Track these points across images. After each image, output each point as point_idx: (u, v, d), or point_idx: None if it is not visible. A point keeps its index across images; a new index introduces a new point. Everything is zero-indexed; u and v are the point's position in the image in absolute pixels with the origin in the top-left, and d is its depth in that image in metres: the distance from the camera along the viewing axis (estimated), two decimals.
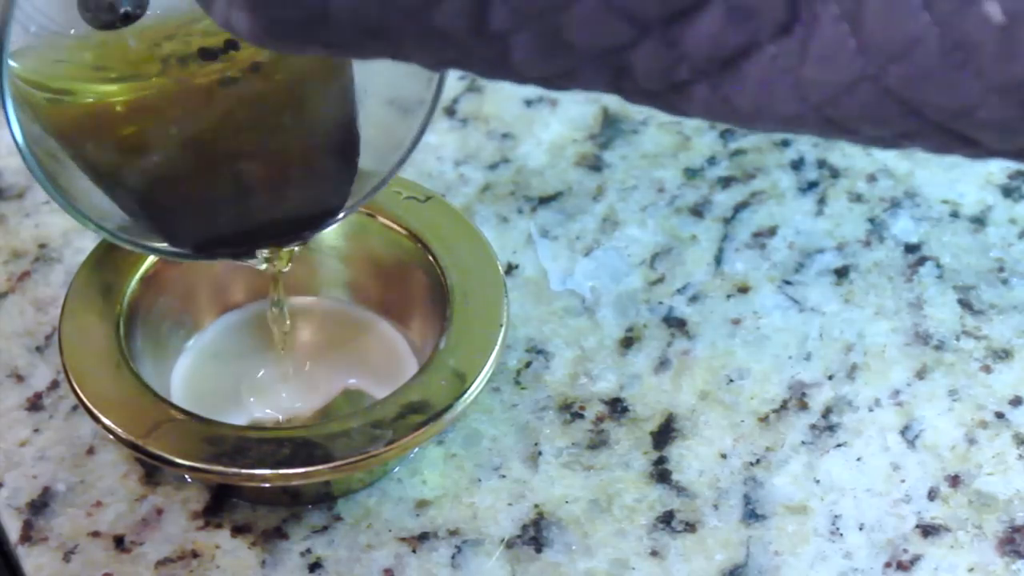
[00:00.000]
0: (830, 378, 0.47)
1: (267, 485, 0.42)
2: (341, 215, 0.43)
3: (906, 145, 0.32)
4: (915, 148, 0.32)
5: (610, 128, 0.55)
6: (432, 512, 0.44)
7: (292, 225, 0.43)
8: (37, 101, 0.39)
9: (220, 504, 0.44)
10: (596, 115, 0.55)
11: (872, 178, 0.53)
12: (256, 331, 0.48)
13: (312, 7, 0.31)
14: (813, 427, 0.46)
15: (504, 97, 0.56)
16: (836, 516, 0.43)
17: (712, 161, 0.54)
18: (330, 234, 0.48)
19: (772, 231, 0.51)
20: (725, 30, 0.30)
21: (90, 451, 0.45)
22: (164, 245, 0.42)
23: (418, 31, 0.31)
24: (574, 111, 0.56)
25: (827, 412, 0.46)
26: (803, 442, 0.45)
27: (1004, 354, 0.47)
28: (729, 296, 0.49)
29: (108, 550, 0.43)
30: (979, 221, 0.51)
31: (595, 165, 0.54)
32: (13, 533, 0.43)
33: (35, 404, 0.47)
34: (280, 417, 0.46)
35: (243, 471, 0.41)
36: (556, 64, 0.32)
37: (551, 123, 0.55)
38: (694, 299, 0.49)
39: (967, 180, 0.53)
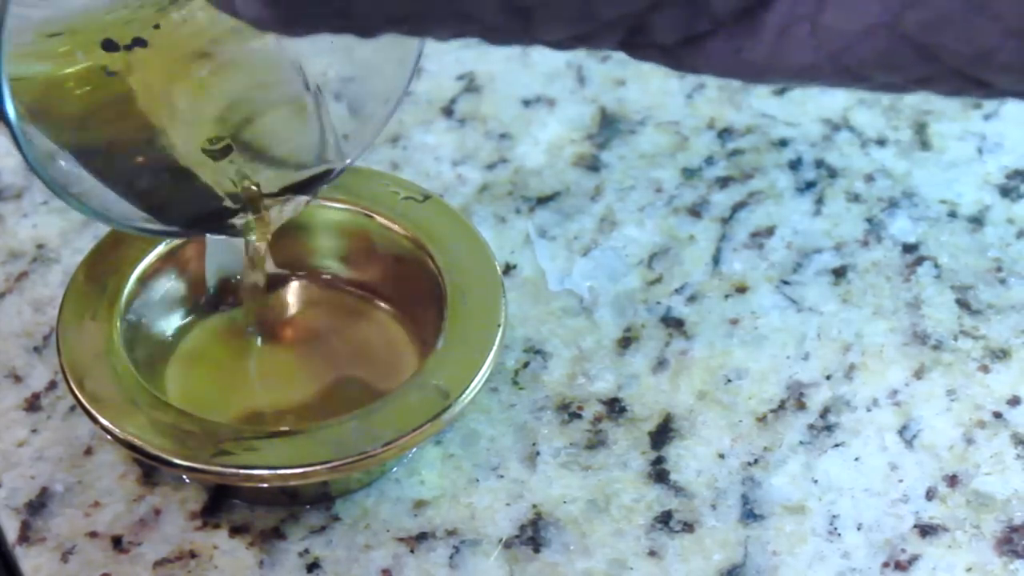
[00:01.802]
0: (828, 378, 0.47)
1: (265, 485, 0.42)
2: (341, 165, 0.44)
3: (917, 89, 0.32)
4: (927, 91, 0.32)
5: (608, 128, 0.55)
6: (430, 512, 0.44)
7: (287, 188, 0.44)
8: None
9: (218, 504, 0.44)
10: (594, 115, 0.55)
11: (870, 178, 0.53)
12: (254, 326, 0.48)
13: (336, 3, 0.31)
14: (811, 427, 0.46)
15: (502, 97, 0.56)
16: (834, 516, 0.43)
17: (710, 161, 0.54)
18: (327, 233, 0.48)
19: (770, 231, 0.51)
20: None
21: (88, 451, 0.45)
22: (156, 225, 0.42)
23: (444, 14, 0.31)
24: (572, 111, 0.56)
25: (825, 412, 0.46)
26: (801, 442, 0.45)
27: (1002, 354, 0.47)
28: (727, 296, 0.49)
29: (106, 550, 0.43)
30: (977, 221, 0.51)
31: (593, 165, 0.54)
32: (11, 533, 0.43)
33: (33, 404, 0.47)
34: (278, 409, 0.46)
35: (241, 471, 0.41)
36: (576, 31, 0.32)
37: (549, 123, 0.55)
38: (692, 299, 0.49)
39: (965, 180, 0.53)
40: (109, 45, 0.41)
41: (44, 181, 0.38)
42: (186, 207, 0.44)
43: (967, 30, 0.29)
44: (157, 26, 0.42)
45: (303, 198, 0.44)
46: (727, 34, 0.31)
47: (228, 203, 0.44)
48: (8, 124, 0.36)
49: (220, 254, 0.47)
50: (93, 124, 0.42)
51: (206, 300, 0.48)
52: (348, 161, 0.45)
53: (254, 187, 0.44)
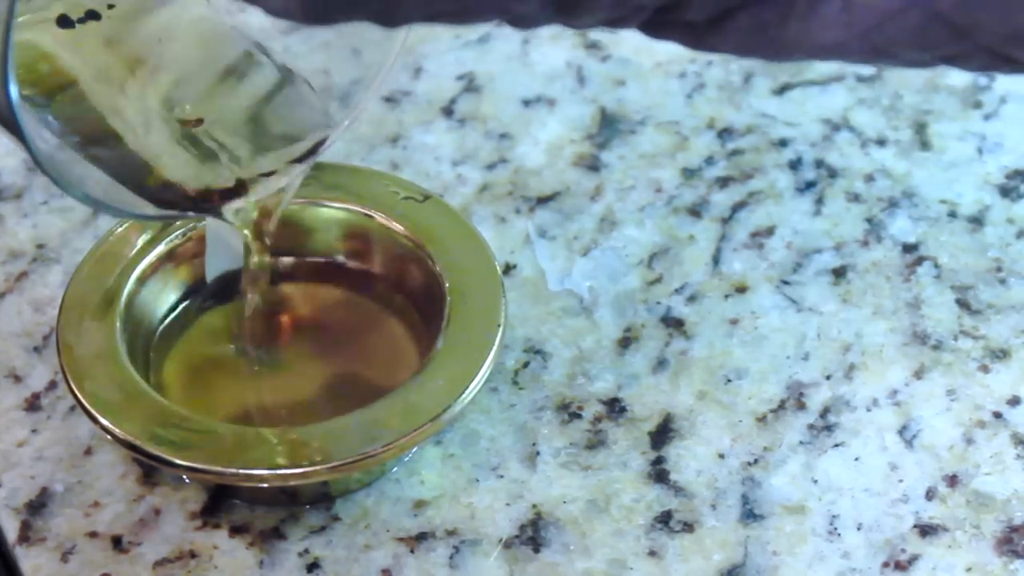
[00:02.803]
0: (828, 378, 0.47)
1: (265, 485, 0.42)
2: (333, 131, 0.43)
3: (940, 65, 0.32)
4: (953, 68, 0.32)
5: (608, 128, 0.55)
6: (430, 512, 0.44)
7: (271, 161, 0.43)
8: None
9: (218, 504, 0.44)
10: (594, 115, 0.55)
11: (870, 178, 0.53)
12: (252, 323, 0.48)
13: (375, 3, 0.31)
14: (811, 427, 0.46)
15: (502, 97, 0.56)
16: (834, 516, 0.43)
17: (710, 161, 0.54)
18: (327, 233, 0.48)
19: (770, 231, 0.51)
20: None
21: (88, 451, 0.45)
22: (149, 210, 0.42)
23: (486, 8, 0.31)
24: (572, 111, 0.56)
25: (825, 412, 0.46)
26: (801, 442, 0.45)
27: (1002, 354, 0.47)
28: (727, 296, 0.49)
29: (106, 550, 0.43)
30: (977, 221, 0.51)
31: (593, 165, 0.54)
32: (11, 533, 0.43)
33: (33, 404, 0.47)
34: (278, 409, 0.46)
35: (241, 471, 0.41)
36: (609, 15, 0.31)
37: (549, 123, 0.55)
38: (692, 299, 0.49)
39: (965, 180, 0.53)
40: (64, 21, 0.41)
41: (33, 157, 0.37)
42: (172, 191, 0.43)
43: (1003, 9, 0.29)
44: (111, 6, 0.42)
45: (297, 168, 0.44)
46: (755, 11, 0.31)
47: (210, 187, 0.43)
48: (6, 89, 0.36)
49: (220, 252, 0.47)
50: (62, 103, 0.42)
51: (206, 299, 0.48)
52: (333, 135, 0.44)
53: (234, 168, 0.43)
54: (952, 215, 0.52)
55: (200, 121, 0.43)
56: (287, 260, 0.48)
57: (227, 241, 0.45)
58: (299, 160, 0.44)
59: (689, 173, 0.53)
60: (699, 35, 0.32)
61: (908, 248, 0.51)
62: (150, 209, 0.42)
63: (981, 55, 0.31)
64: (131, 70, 0.43)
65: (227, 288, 0.48)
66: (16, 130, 0.36)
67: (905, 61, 0.32)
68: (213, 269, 0.47)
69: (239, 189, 0.43)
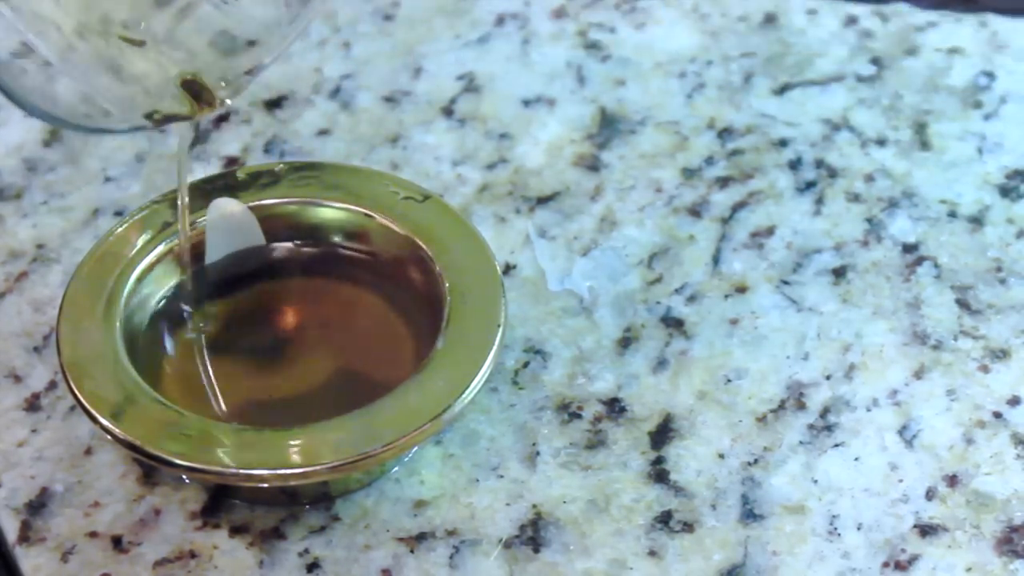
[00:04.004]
0: (828, 378, 0.47)
1: (265, 485, 0.42)
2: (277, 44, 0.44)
3: None
4: (908, 3, 0.32)
5: (608, 128, 0.55)
6: (430, 512, 0.44)
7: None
8: None
9: (218, 504, 0.44)
10: (594, 115, 0.55)
11: (870, 178, 0.53)
12: (253, 321, 0.48)
13: None
14: (811, 427, 0.46)
15: (502, 97, 0.56)
16: (834, 516, 0.43)
17: (710, 161, 0.54)
18: (327, 232, 0.48)
19: (770, 231, 0.51)
20: None
21: (88, 451, 0.45)
22: (106, 122, 0.42)
23: None
24: (572, 111, 0.56)
25: (825, 412, 0.46)
26: (801, 442, 0.45)
27: (1002, 354, 0.47)
28: (727, 296, 0.49)
29: (106, 550, 0.43)
30: (977, 221, 0.51)
31: (593, 165, 0.54)
32: (11, 533, 0.43)
33: (33, 404, 0.47)
34: (278, 408, 0.46)
35: (241, 471, 0.41)
36: None
37: (549, 123, 0.55)
38: (692, 299, 0.49)
39: (965, 180, 0.53)
40: None
41: None
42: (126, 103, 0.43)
43: None
44: None
45: (243, 79, 0.43)
46: None
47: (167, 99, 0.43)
48: None
49: (221, 235, 0.47)
50: None
51: (205, 297, 0.48)
52: (272, 56, 0.44)
53: (190, 77, 0.43)
54: (952, 215, 0.52)
55: (143, 42, 0.43)
56: (287, 261, 0.49)
57: (228, 225, 0.45)
58: (237, 80, 0.43)
59: (689, 173, 0.53)
60: None
61: (908, 248, 0.51)
62: (99, 120, 0.42)
63: None
64: None
65: (226, 287, 0.48)
66: None
67: None
68: (214, 252, 0.47)
69: (183, 115, 0.43)
